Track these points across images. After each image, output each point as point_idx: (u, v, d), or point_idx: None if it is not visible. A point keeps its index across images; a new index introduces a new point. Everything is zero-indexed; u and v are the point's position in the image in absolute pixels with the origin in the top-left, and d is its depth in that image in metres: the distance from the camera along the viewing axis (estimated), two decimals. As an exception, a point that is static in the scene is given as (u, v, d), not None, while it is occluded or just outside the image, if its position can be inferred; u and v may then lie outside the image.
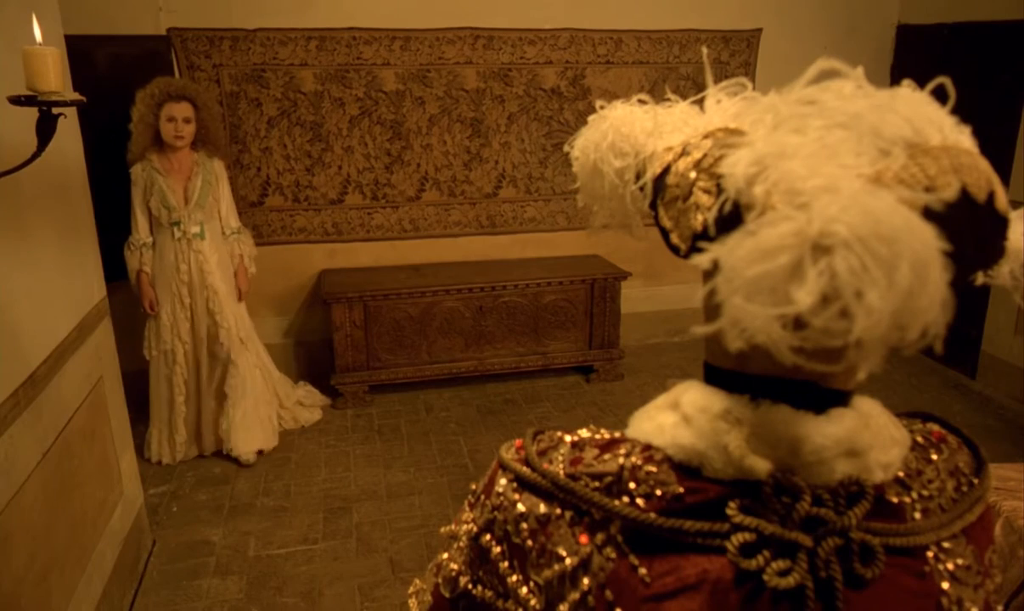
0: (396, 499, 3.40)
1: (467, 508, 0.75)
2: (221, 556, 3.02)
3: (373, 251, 4.62)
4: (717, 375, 0.64)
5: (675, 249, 0.61)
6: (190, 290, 3.53)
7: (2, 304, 1.94)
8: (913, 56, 4.89)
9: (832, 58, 0.56)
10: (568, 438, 0.70)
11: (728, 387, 0.62)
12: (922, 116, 0.54)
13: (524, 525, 0.66)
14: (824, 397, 0.59)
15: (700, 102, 0.68)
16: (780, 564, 0.56)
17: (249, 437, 3.66)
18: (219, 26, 4.07)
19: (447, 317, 4.33)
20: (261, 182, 4.35)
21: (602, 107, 0.74)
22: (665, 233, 0.62)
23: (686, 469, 0.62)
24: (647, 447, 0.64)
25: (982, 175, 0.54)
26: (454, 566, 0.75)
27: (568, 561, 0.63)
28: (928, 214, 0.48)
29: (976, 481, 0.67)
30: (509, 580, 0.68)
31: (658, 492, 0.61)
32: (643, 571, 0.60)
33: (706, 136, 0.61)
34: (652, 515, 0.60)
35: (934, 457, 0.67)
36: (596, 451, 0.66)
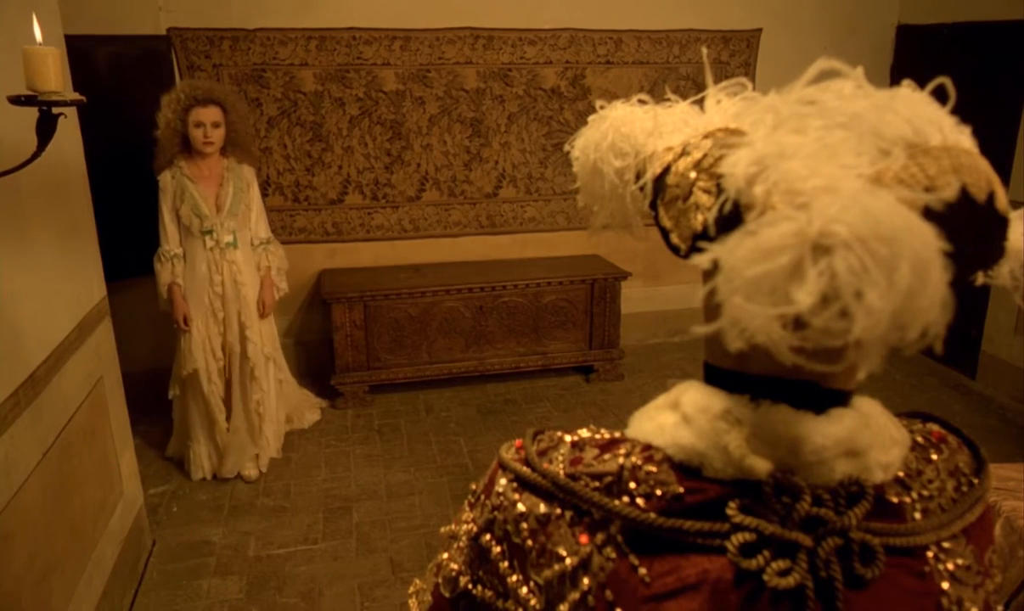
0: (396, 499, 3.40)
1: (467, 508, 0.75)
2: (221, 556, 3.02)
3: (373, 251, 4.62)
4: (717, 375, 0.64)
5: (675, 249, 0.61)
6: (224, 302, 3.35)
7: (2, 304, 1.94)
8: (913, 56, 4.88)
9: (832, 58, 0.56)
10: (568, 438, 0.70)
11: (728, 387, 0.62)
12: (922, 116, 0.54)
13: (524, 525, 0.66)
14: (824, 397, 0.59)
15: (700, 102, 0.68)
16: (780, 564, 0.56)
17: (261, 456, 3.62)
18: (219, 26, 4.07)
19: (447, 317, 4.33)
20: (261, 182, 4.32)
21: (602, 107, 0.75)
22: (665, 233, 0.62)
23: (686, 469, 0.62)
24: (647, 447, 0.64)
25: (982, 175, 0.54)
26: (454, 566, 0.75)
27: (568, 561, 0.63)
28: (928, 214, 0.48)
29: (976, 481, 0.67)
30: (509, 580, 0.68)
31: (658, 492, 0.61)
32: (643, 571, 0.60)
33: (706, 136, 0.61)
34: (652, 515, 0.60)
35: (934, 457, 0.67)
36: (596, 451, 0.66)
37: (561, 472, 0.66)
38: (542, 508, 0.66)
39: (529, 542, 0.66)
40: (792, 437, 0.58)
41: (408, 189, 4.59)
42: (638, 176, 0.68)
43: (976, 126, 0.59)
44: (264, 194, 4.34)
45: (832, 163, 0.49)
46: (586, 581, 0.62)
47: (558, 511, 0.65)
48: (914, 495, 0.63)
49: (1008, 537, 1.75)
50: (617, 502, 0.62)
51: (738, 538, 0.57)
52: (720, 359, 0.63)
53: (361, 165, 4.48)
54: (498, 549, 0.69)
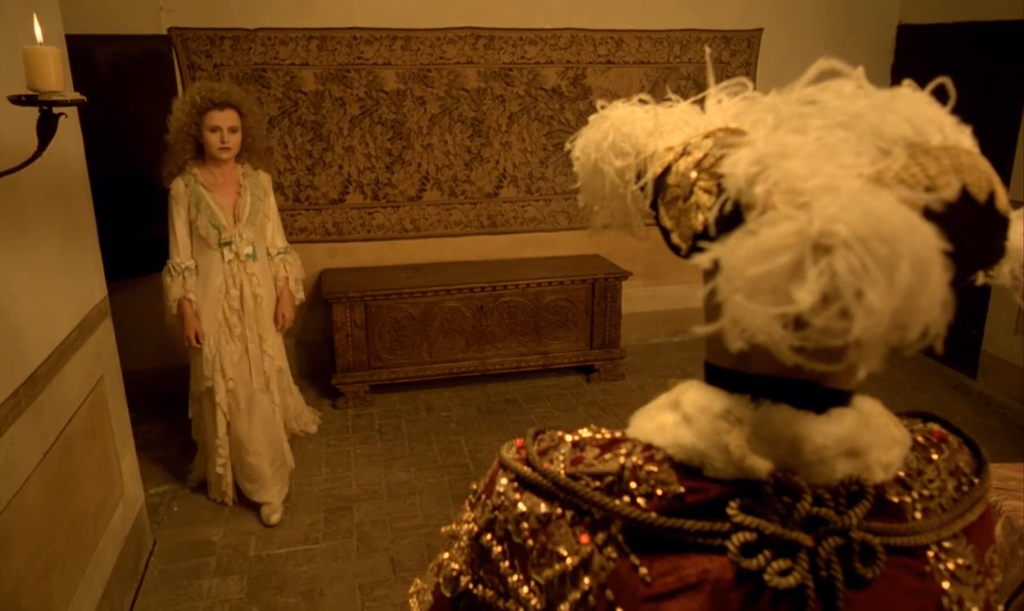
0: (397, 499, 3.40)
1: (468, 508, 0.75)
2: (222, 556, 3.02)
3: (374, 251, 4.62)
4: (718, 375, 0.64)
5: (676, 249, 0.61)
6: (241, 317, 3.12)
7: (2, 304, 1.94)
8: (913, 56, 4.88)
9: (833, 58, 0.56)
10: (569, 438, 0.70)
11: (729, 387, 0.62)
12: (922, 116, 0.54)
13: (525, 525, 0.66)
14: (825, 397, 0.59)
15: (701, 102, 0.68)
16: (781, 564, 0.56)
17: (280, 487, 3.32)
18: (220, 26, 4.07)
19: (448, 317, 4.33)
20: (262, 182, 4.35)
21: (603, 107, 0.74)
22: (666, 233, 0.62)
23: (687, 469, 0.62)
24: (648, 447, 0.64)
25: (982, 175, 0.54)
26: (455, 566, 0.75)
27: (569, 561, 0.63)
28: (928, 214, 0.48)
29: (977, 481, 0.67)
30: (510, 580, 0.68)
31: (659, 492, 0.61)
32: (644, 571, 0.60)
33: (707, 136, 0.61)
34: (653, 515, 0.60)
35: (935, 457, 0.67)
36: (597, 451, 0.66)
37: (562, 472, 0.66)
38: (543, 508, 0.66)
39: (530, 542, 0.66)
40: (793, 437, 0.58)
41: (409, 189, 4.60)
42: (639, 176, 0.68)
43: (976, 126, 0.59)
44: (265, 194, 4.35)
45: (832, 163, 0.49)
46: (587, 581, 0.62)
47: (559, 511, 0.65)
48: (915, 495, 0.63)
49: (1008, 537, 1.75)
50: (618, 502, 0.62)
51: (739, 538, 0.57)
52: (721, 359, 0.63)
53: (362, 165, 4.48)
54: (499, 549, 0.69)
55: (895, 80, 0.55)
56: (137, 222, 3.66)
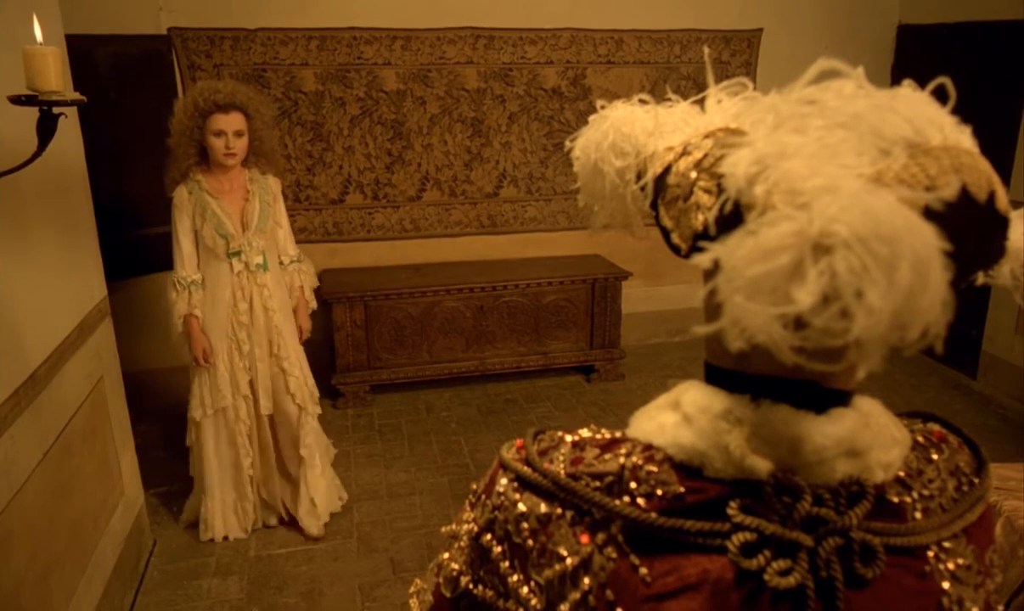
0: (397, 499, 3.40)
1: (468, 508, 0.75)
2: (222, 556, 3.02)
3: (374, 251, 4.62)
4: (718, 375, 0.64)
5: (676, 249, 0.61)
6: (249, 333, 2.91)
7: (2, 304, 1.94)
8: (913, 56, 4.88)
9: (833, 58, 0.56)
10: (569, 438, 0.70)
11: (729, 387, 0.62)
12: (923, 116, 0.54)
13: (525, 525, 0.66)
14: (825, 397, 0.59)
15: (701, 102, 0.68)
16: (781, 564, 0.56)
17: (324, 504, 3.16)
18: (220, 26, 4.07)
19: (448, 317, 4.33)
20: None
21: (603, 107, 0.74)
22: (666, 233, 0.62)
23: (687, 469, 0.62)
24: (648, 447, 0.64)
25: (982, 175, 0.54)
26: (455, 566, 0.75)
27: (569, 561, 0.63)
28: (929, 214, 0.48)
29: (977, 481, 0.67)
30: (510, 580, 0.68)
31: (659, 492, 0.61)
32: (644, 571, 0.60)
33: (707, 136, 0.61)
34: (653, 515, 0.60)
35: (935, 457, 0.67)
36: (597, 451, 0.66)
37: (562, 472, 0.66)
38: (543, 508, 0.66)
39: (530, 542, 0.66)
40: (793, 437, 0.58)
41: (409, 189, 4.60)
42: (639, 176, 0.68)
43: (976, 126, 0.59)
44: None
45: (833, 163, 0.49)
46: (587, 581, 0.62)
47: (559, 511, 0.65)
48: (915, 495, 0.63)
49: (1008, 537, 1.75)
50: (618, 502, 0.62)
51: (739, 538, 0.57)
52: (721, 359, 0.63)
53: (362, 165, 4.48)
54: (499, 549, 0.69)
55: (895, 80, 0.55)
56: (137, 222, 3.67)
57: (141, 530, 2.96)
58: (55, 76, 1.61)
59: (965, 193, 0.52)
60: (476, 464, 3.68)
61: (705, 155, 0.59)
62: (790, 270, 0.45)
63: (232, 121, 2.76)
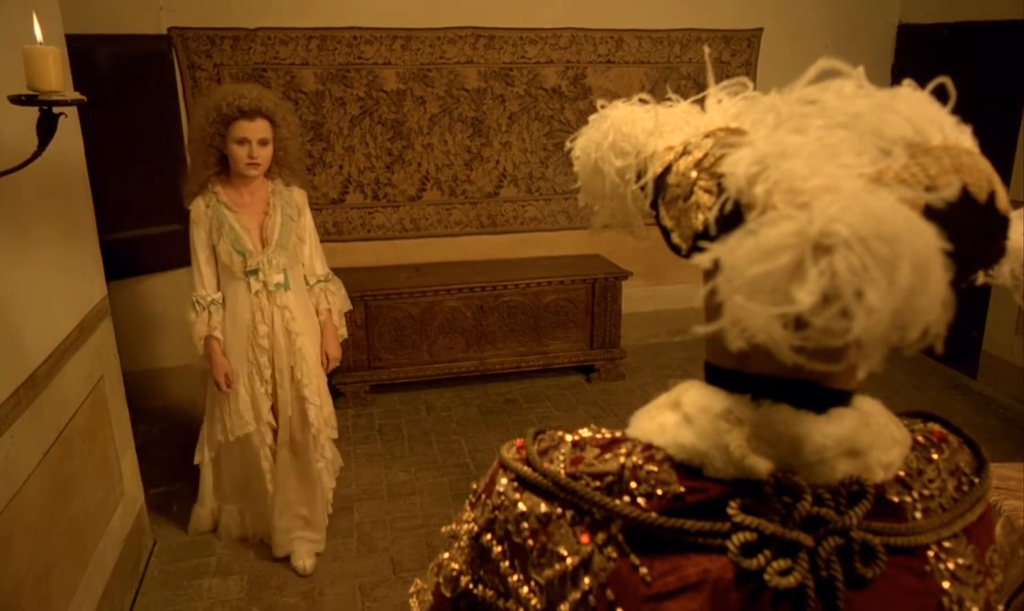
0: (397, 499, 3.40)
1: (468, 507, 0.75)
2: (222, 556, 3.02)
3: (374, 251, 4.62)
4: (718, 375, 0.64)
5: (676, 249, 0.61)
6: (271, 358, 2.74)
7: (2, 304, 1.94)
8: (913, 56, 4.88)
9: (833, 58, 0.56)
10: (569, 438, 0.70)
11: (729, 387, 0.62)
12: (923, 116, 0.54)
13: (525, 524, 0.66)
14: (825, 397, 0.59)
15: (701, 101, 0.68)
16: (781, 564, 0.56)
17: (316, 539, 3.00)
18: (220, 25, 4.07)
19: (448, 317, 4.33)
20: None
21: (603, 106, 0.74)
22: (666, 232, 0.62)
23: (687, 469, 0.62)
24: (648, 447, 0.64)
25: (983, 175, 0.54)
26: (455, 566, 0.75)
27: (569, 561, 0.63)
28: (929, 213, 0.48)
29: (977, 480, 0.67)
30: (510, 580, 0.68)
31: (659, 492, 0.61)
32: (644, 571, 0.60)
33: (707, 135, 0.61)
34: (653, 515, 0.60)
35: (935, 456, 0.67)
36: (597, 450, 0.66)
37: (562, 472, 0.66)
38: (543, 508, 0.66)
39: (530, 542, 0.66)
40: (793, 436, 0.58)
41: (409, 189, 4.59)
42: (639, 175, 0.68)
43: (976, 126, 0.59)
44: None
45: (833, 163, 0.49)
46: (587, 581, 0.62)
47: (559, 511, 0.65)
48: (915, 494, 0.63)
49: (1008, 536, 1.75)
50: (618, 502, 0.62)
51: (739, 538, 0.57)
52: (721, 358, 0.63)
53: (362, 165, 4.48)
54: (499, 549, 0.69)
55: (895, 80, 0.55)
56: (137, 222, 3.66)
57: (141, 530, 2.96)
58: (55, 76, 1.61)
59: (965, 193, 0.52)
60: (476, 464, 3.68)
61: (705, 155, 0.59)
62: (790, 270, 0.45)
63: (257, 128, 2.56)
